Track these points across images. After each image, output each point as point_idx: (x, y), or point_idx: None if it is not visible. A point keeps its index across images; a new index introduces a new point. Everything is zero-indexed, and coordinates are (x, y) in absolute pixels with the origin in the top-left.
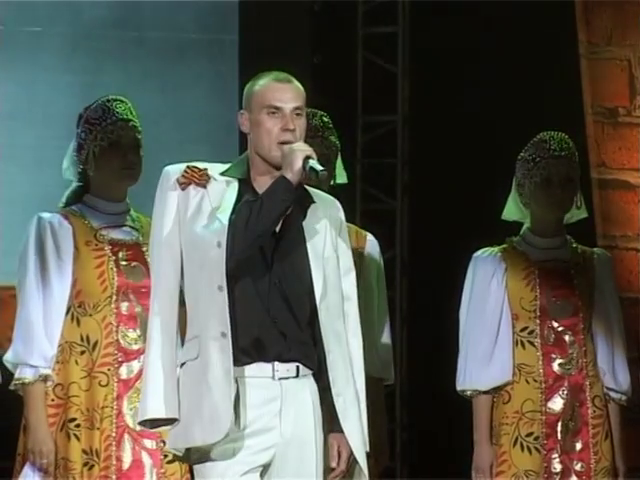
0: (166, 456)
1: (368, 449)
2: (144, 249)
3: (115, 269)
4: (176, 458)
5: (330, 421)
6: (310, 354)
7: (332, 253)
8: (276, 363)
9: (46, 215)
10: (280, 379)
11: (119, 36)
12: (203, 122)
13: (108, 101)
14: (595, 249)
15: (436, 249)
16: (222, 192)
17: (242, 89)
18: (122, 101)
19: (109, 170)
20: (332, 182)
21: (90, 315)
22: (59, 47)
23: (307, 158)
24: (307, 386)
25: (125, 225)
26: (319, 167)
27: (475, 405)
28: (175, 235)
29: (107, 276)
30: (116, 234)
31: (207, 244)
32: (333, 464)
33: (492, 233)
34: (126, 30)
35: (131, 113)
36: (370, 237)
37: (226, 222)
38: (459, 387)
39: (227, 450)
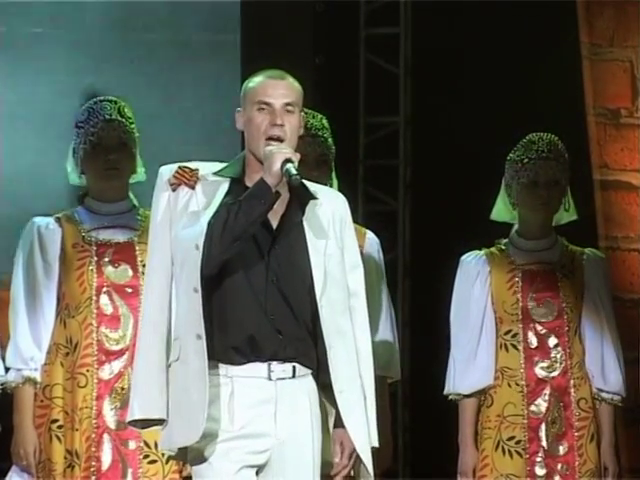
0: (147, 456)
1: (377, 444)
2: (137, 248)
3: (95, 270)
4: (172, 458)
5: (335, 417)
6: (307, 352)
7: (335, 249)
8: (272, 363)
9: (38, 219)
10: (276, 380)
11: (121, 37)
12: (205, 123)
13: (95, 103)
14: (587, 249)
15: (438, 250)
16: (212, 192)
17: None
18: (111, 101)
19: (94, 172)
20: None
21: (73, 317)
22: (60, 48)
23: (286, 161)
24: (304, 386)
25: (126, 225)
26: (293, 172)
27: (460, 408)
28: (166, 236)
29: (86, 277)
30: (108, 234)
31: (187, 246)
32: (336, 459)
33: (494, 234)
34: (127, 31)
35: (119, 113)
36: (370, 234)
37: (205, 225)
38: (445, 392)
39: (221, 449)
